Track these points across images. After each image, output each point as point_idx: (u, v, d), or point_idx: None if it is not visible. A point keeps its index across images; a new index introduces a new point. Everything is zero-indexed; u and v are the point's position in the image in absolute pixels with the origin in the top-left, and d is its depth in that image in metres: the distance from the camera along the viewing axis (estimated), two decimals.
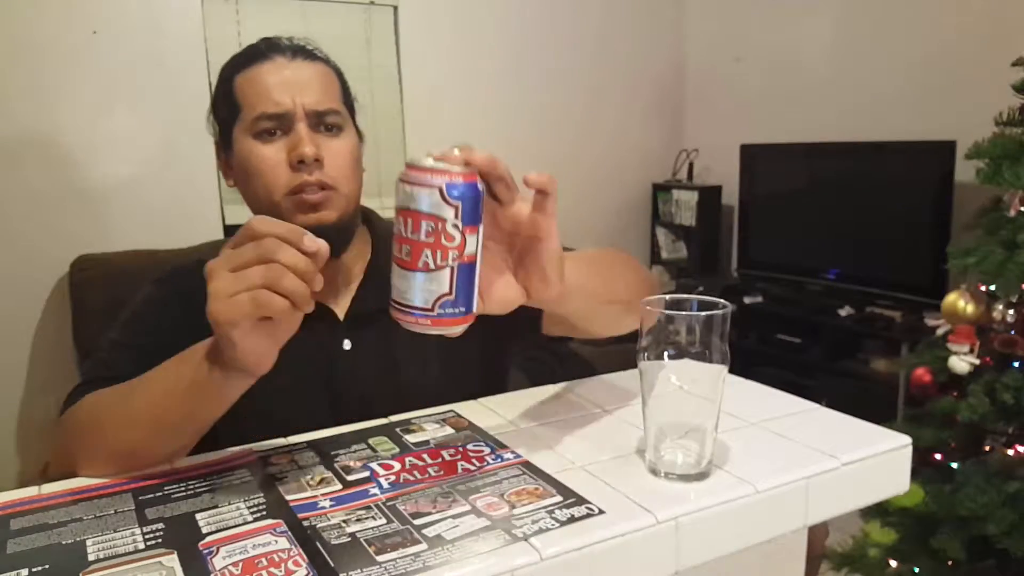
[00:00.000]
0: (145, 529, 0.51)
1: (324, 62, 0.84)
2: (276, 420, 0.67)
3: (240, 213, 2.74)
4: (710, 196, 3.33)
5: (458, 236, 0.48)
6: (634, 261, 0.83)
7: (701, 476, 0.56)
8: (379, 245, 0.88)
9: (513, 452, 0.62)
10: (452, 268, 0.48)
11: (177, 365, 0.62)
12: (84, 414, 0.69)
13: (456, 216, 0.47)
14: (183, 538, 0.49)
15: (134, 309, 0.85)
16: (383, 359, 0.82)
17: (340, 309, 0.84)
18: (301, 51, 0.82)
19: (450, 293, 0.48)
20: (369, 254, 0.88)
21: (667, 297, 0.58)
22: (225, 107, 0.82)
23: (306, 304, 0.52)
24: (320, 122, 0.79)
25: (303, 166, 0.77)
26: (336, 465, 0.60)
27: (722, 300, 0.56)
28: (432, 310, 0.49)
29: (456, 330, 0.51)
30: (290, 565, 0.46)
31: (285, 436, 0.67)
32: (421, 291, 0.48)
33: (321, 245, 0.52)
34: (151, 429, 0.62)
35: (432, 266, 0.47)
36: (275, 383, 0.61)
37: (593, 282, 0.68)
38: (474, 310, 0.51)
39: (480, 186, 0.50)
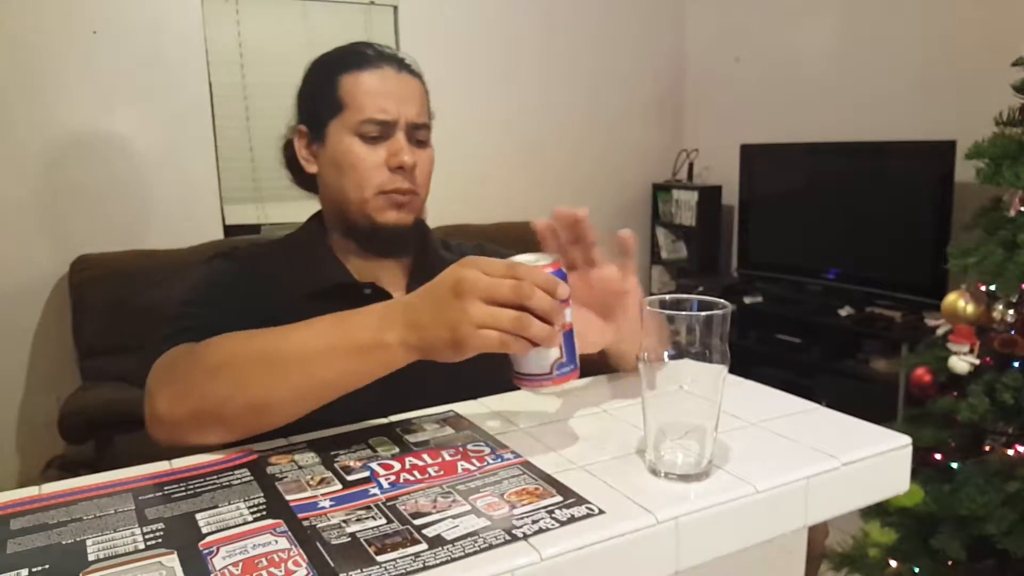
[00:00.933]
0: (145, 529, 0.51)
1: (420, 79, 0.92)
2: (335, 405, 0.67)
3: (240, 213, 2.74)
4: (710, 196, 3.33)
5: (563, 312, 0.58)
6: None
7: (701, 476, 0.56)
8: (426, 245, 0.97)
9: (513, 452, 0.62)
10: (562, 336, 0.58)
11: (342, 327, 0.63)
12: (216, 357, 0.68)
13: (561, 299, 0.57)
14: (183, 538, 0.49)
15: (204, 278, 0.89)
16: None
17: (398, 296, 0.90)
18: (404, 65, 0.90)
19: (561, 357, 0.59)
20: (414, 249, 0.96)
21: (667, 297, 0.58)
22: (324, 102, 0.88)
23: (549, 341, 0.57)
24: (414, 134, 0.88)
25: (400, 171, 0.86)
26: (336, 465, 0.60)
27: (722, 300, 0.56)
28: (551, 373, 0.59)
29: (569, 384, 0.61)
30: (290, 565, 0.46)
31: (340, 422, 0.69)
32: (540, 361, 0.58)
33: (567, 290, 0.59)
34: (301, 394, 0.64)
35: None
36: None
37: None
38: (578, 364, 0.61)
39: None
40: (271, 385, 0.64)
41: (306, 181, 0.95)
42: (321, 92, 0.88)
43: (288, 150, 0.95)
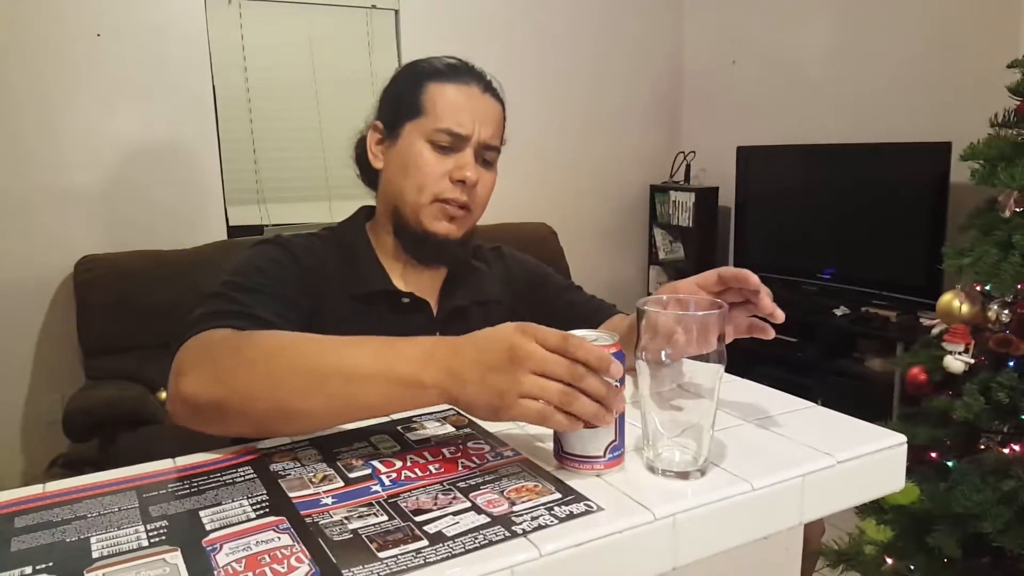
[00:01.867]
0: (149, 526, 0.51)
1: (502, 104, 0.95)
2: None
3: (243, 214, 2.74)
4: (707, 197, 3.34)
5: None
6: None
7: (698, 474, 0.56)
8: (463, 256, 0.98)
9: (513, 450, 0.62)
10: (616, 420, 0.57)
11: (388, 355, 0.61)
12: (257, 351, 0.65)
13: (616, 378, 0.56)
14: (186, 535, 0.50)
15: (255, 263, 0.86)
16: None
17: (433, 304, 0.94)
18: (491, 87, 0.93)
19: (615, 439, 0.57)
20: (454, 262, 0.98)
21: (665, 297, 0.59)
22: (406, 103, 0.91)
23: (596, 419, 0.55)
24: (483, 153, 0.91)
25: (461, 185, 0.89)
26: (338, 462, 0.61)
27: (719, 300, 0.56)
28: (604, 456, 0.57)
29: (619, 467, 0.58)
30: (292, 562, 0.46)
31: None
32: (595, 443, 0.57)
33: (621, 370, 0.57)
34: (337, 413, 0.63)
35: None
36: None
37: None
38: (625, 448, 0.59)
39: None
40: (307, 395, 0.62)
41: (370, 177, 0.97)
42: (406, 94, 0.91)
43: (359, 146, 0.97)
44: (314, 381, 0.62)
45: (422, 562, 0.45)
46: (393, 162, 0.92)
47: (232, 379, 0.64)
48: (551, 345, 0.55)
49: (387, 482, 0.57)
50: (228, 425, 0.66)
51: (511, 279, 1.05)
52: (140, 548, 0.49)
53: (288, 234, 0.94)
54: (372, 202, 1.01)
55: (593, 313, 1.00)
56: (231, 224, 2.69)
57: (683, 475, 0.56)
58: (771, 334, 0.70)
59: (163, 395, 2.27)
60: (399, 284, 0.94)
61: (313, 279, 0.88)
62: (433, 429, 0.68)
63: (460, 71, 0.91)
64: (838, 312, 2.69)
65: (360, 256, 0.94)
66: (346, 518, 0.51)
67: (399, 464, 0.60)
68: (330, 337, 0.65)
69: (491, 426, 0.68)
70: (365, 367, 0.61)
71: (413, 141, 0.89)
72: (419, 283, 0.95)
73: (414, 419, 0.70)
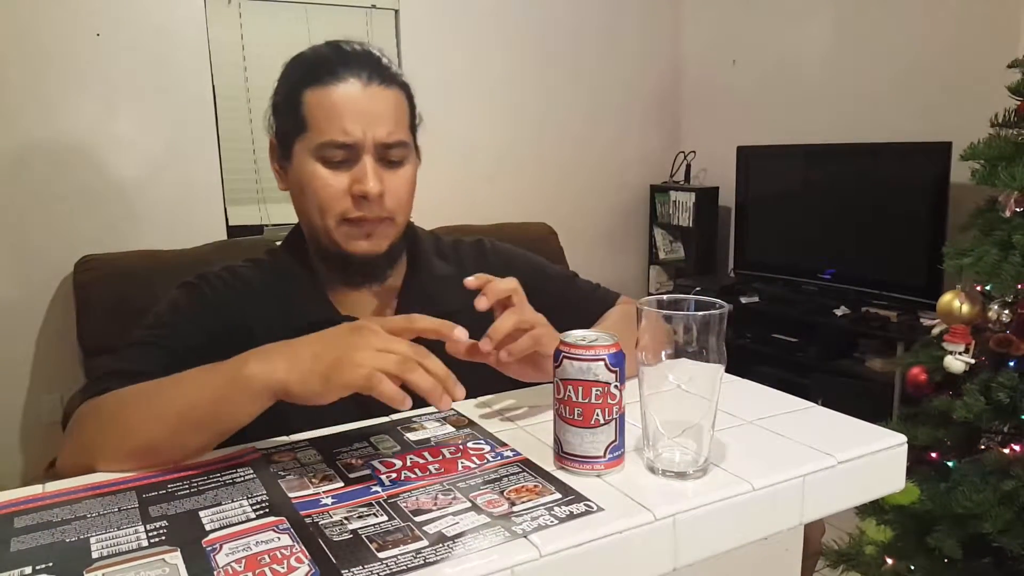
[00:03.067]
0: (148, 526, 0.51)
1: (398, 86, 0.82)
2: (350, 402, 0.65)
3: (243, 214, 2.75)
4: (707, 197, 3.34)
5: (619, 394, 0.57)
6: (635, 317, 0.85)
7: (698, 474, 0.56)
8: (416, 261, 0.89)
9: (513, 450, 0.62)
10: (616, 420, 0.57)
11: (209, 375, 0.63)
12: (108, 409, 0.68)
13: (616, 378, 0.56)
14: (186, 535, 0.50)
15: (160, 312, 0.82)
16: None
17: None
18: (377, 73, 0.79)
19: (615, 440, 0.57)
20: (405, 269, 0.89)
21: (664, 297, 0.59)
22: (290, 119, 0.81)
23: (434, 400, 0.57)
24: (386, 154, 0.80)
25: (364, 200, 0.78)
26: (338, 463, 0.61)
27: (719, 300, 0.56)
28: (604, 456, 0.57)
29: (619, 468, 0.58)
30: (292, 562, 0.46)
31: (350, 419, 0.70)
32: (595, 443, 0.57)
33: (464, 335, 0.61)
34: (174, 429, 0.62)
35: (602, 422, 0.56)
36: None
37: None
38: (625, 449, 0.59)
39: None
40: (150, 428, 0.62)
41: None
42: (287, 107, 0.81)
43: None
44: (153, 412, 0.63)
45: (422, 562, 0.45)
46: (292, 184, 0.83)
47: (91, 445, 0.64)
48: (395, 327, 0.58)
49: (387, 482, 0.57)
50: (133, 465, 0.64)
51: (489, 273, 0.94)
52: (140, 548, 0.49)
53: (219, 268, 0.86)
54: None
55: (590, 306, 0.94)
56: (231, 224, 2.69)
57: (683, 475, 0.56)
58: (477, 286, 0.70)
59: None
60: (344, 306, 0.85)
61: (235, 315, 0.80)
62: (433, 429, 0.68)
63: (335, 68, 0.78)
64: (838, 312, 2.69)
65: (298, 285, 0.85)
66: (346, 518, 0.51)
67: (399, 464, 0.60)
68: (172, 377, 0.66)
69: (491, 426, 0.68)
70: (192, 382, 0.63)
71: (304, 161, 0.79)
72: (368, 304, 0.86)
73: (414, 419, 0.70)
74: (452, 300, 0.76)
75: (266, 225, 2.74)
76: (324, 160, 0.78)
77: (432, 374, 0.57)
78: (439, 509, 0.52)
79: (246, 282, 0.85)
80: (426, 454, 0.62)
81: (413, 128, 0.85)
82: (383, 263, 0.84)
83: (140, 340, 0.79)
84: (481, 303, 0.67)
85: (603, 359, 0.56)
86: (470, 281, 0.69)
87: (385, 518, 0.51)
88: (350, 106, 0.77)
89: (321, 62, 0.80)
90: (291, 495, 0.55)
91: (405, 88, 0.84)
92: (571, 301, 0.94)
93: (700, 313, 0.55)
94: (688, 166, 3.47)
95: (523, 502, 0.53)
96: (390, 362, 0.56)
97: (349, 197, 0.78)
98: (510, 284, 0.69)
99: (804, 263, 2.91)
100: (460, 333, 0.60)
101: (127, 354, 0.78)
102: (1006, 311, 1.45)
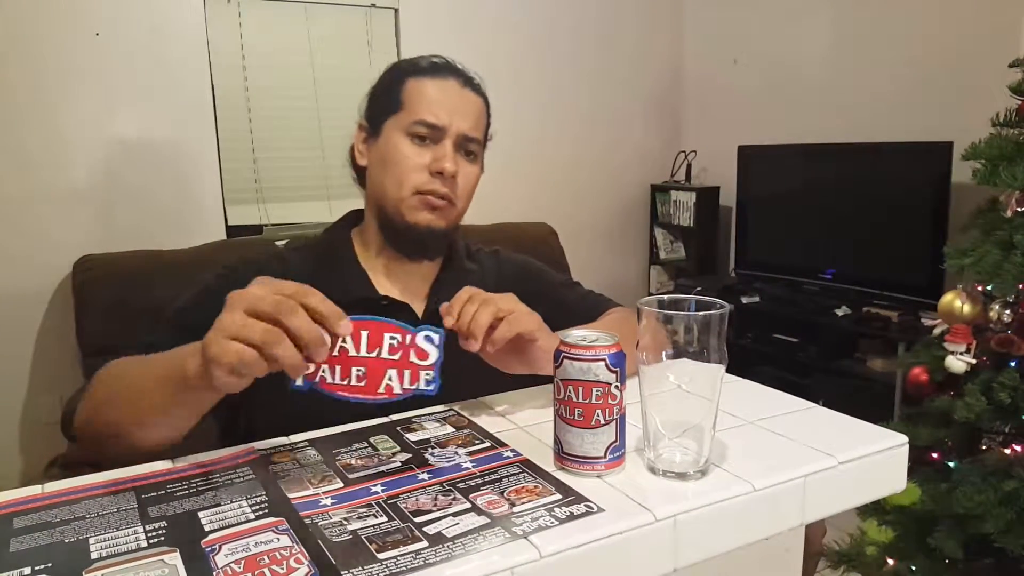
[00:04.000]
0: (148, 527, 0.51)
1: (484, 99, 0.96)
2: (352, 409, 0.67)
3: (242, 214, 2.74)
4: (708, 197, 3.34)
5: (619, 394, 0.57)
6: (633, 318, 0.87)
7: (699, 475, 0.56)
8: (452, 255, 0.99)
9: (513, 450, 0.62)
10: (616, 420, 0.57)
11: (162, 357, 0.65)
12: (110, 372, 0.73)
13: (617, 379, 0.56)
14: (185, 536, 0.50)
15: (191, 293, 0.89)
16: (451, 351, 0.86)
17: (418, 307, 0.93)
18: (471, 82, 0.94)
19: (616, 440, 0.57)
20: (441, 260, 0.98)
21: (665, 297, 0.59)
22: (387, 100, 0.92)
23: (294, 371, 0.55)
24: (463, 146, 0.91)
25: (440, 176, 0.89)
26: (337, 463, 0.60)
27: (720, 300, 0.56)
28: (604, 457, 0.57)
29: (620, 468, 0.58)
30: (292, 563, 0.46)
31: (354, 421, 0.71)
32: (595, 444, 0.57)
33: (348, 329, 0.58)
34: (126, 410, 0.65)
35: (603, 422, 0.56)
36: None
37: None
38: (625, 449, 0.59)
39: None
40: (117, 409, 0.66)
41: (361, 176, 0.98)
42: (387, 91, 0.93)
43: (352, 148, 0.98)
44: (120, 395, 0.67)
45: (422, 563, 0.45)
46: (375, 158, 0.93)
47: (85, 409, 0.72)
48: (282, 290, 0.56)
49: (386, 483, 0.57)
50: (96, 452, 0.70)
51: (503, 279, 1.03)
52: (139, 549, 0.48)
53: (256, 252, 0.95)
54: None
55: (587, 310, 0.99)
56: (230, 224, 2.69)
57: (684, 476, 0.56)
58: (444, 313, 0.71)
59: None
60: (382, 286, 0.93)
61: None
62: (433, 429, 0.68)
63: (440, 68, 0.93)
64: (839, 312, 2.69)
65: (340, 263, 0.94)
66: (345, 519, 0.51)
67: (398, 464, 0.60)
68: (146, 356, 0.68)
69: (491, 426, 0.68)
70: (155, 371, 0.64)
71: (392, 135, 0.90)
72: (406, 284, 0.94)
73: (414, 419, 0.70)
74: None
75: (265, 225, 2.74)
76: (411, 135, 0.89)
77: (296, 336, 0.54)
78: (439, 510, 0.52)
79: (286, 265, 0.92)
80: (426, 454, 0.62)
81: (485, 138, 0.97)
82: (438, 240, 0.93)
83: (164, 318, 0.86)
84: (448, 321, 0.71)
85: (603, 359, 0.56)
86: (444, 307, 0.73)
87: (385, 519, 0.51)
88: (444, 97, 0.90)
89: (427, 61, 0.94)
90: (290, 496, 0.55)
91: (487, 103, 0.97)
92: (570, 306, 1.00)
93: (701, 313, 0.55)
94: (689, 166, 3.47)
95: (523, 503, 0.53)
96: (256, 334, 0.53)
97: (426, 172, 0.89)
98: (463, 294, 0.73)
99: (805, 263, 2.91)
100: (344, 328, 0.57)
101: (149, 329, 0.83)
102: (1007, 311, 1.45)
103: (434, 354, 0.58)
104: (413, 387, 0.57)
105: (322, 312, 0.56)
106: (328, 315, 0.56)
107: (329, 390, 0.59)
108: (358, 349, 0.58)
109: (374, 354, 0.57)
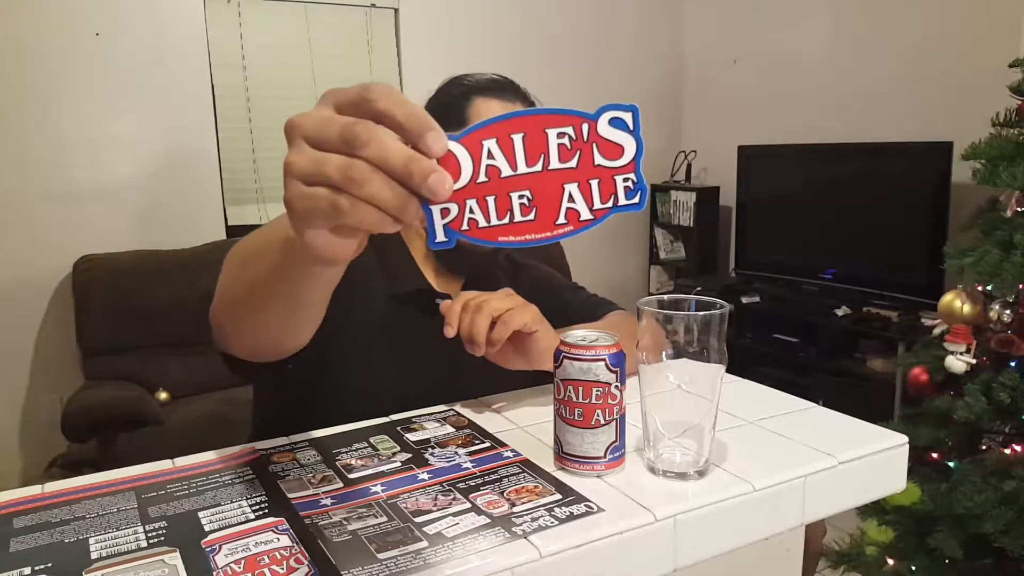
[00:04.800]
0: (148, 527, 0.51)
1: None
2: (391, 389, 0.68)
3: (242, 214, 2.74)
4: (708, 197, 3.34)
5: (619, 394, 0.57)
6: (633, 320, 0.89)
7: (699, 474, 0.56)
8: (489, 263, 1.00)
9: (513, 450, 0.62)
10: (616, 420, 0.56)
11: (272, 228, 0.55)
12: (228, 258, 0.64)
13: (617, 379, 0.56)
14: (185, 536, 0.50)
15: None
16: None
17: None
18: (529, 105, 0.95)
19: (616, 440, 0.57)
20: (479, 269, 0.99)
21: (665, 297, 0.59)
22: (453, 115, 0.91)
23: (404, 213, 0.38)
24: None
25: None
26: (337, 463, 0.60)
27: (720, 300, 0.56)
28: (604, 457, 0.57)
29: (620, 468, 0.58)
30: (292, 563, 0.46)
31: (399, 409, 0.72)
32: (595, 444, 0.56)
33: (441, 144, 0.39)
34: (249, 282, 0.56)
35: (603, 422, 0.56)
36: (396, 356, 0.78)
37: None
38: (625, 449, 0.58)
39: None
40: (235, 285, 0.59)
41: None
42: (452, 106, 0.93)
43: None
44: (241, 271, 0.59)
45: (422, 563, 0.45)
46: None
47: (217, 289, 0.64)
48: (346, 99, 0.38)
49: (386, 483, 0.56)
50: (228, 342, 0.65)
51: (518, 283, 1.05)
52: (139, 549, 0.48)
53: None
54: None
55: (588, 312, 1.00)
56: (230, 224, 2.69)
57: (684, 476, 0.56)
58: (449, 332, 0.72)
59: (162, 395, 2.27)
60: (434, 286, 0.94)
61: (353, 272, 0.85)
62: (433, 429, 0.68)
63: (505, 88, 0.95)
64: (839, 312, 2.69)
65: (395, 257, 0.94)
66: (345, 519, 0.51)
67: (399, 465, 0.60)
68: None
69: (491, 426, 0.68)
70: (262, 240, 0.59)
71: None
72: (446, 287, 0.95)
73: (414, 419, 0.70)
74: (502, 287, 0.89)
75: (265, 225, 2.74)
76: None
77: (380, 166, 0.37)
78: (439, 510, 0.52)
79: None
80: (426, 455, 0.62)
81: None
82: (487, 258, 0.94)
83: None
84: (448, 331, 0.72)
85: (603, 359, 0.56)
86: (443, 307, 0.74)
87: (385, 519, 0.51)
88: None
89: (494, 82, 0.96)
90: (290, 496, 0.55)
91: None
92: (573, 308, 1.02)
93: (701, 313, 0.55)
94: (689, 165, 3.46)
95: (523, 503, 0.53)
96: (331, 171, 0.37)
97: None
98: (456, 305, 0.73)
99: (805, 263, 2.91)
100: (435, 142, 0.38)
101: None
102: (1007, 311, 1.45)
103: (631, 147, 0.40)
104: (609, 203, 0.39)
105: (404, 125, 0.38)
106: (413, 129, 0.38)
107: (484, 238, 0.40)
108: (514, 164, 0.38)
109: (537, 167, 0.38)
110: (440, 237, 0.39)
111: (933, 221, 2.42)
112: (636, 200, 0.40)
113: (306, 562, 0.46)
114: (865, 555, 1.60)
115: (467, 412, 0.72)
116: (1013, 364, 1.44)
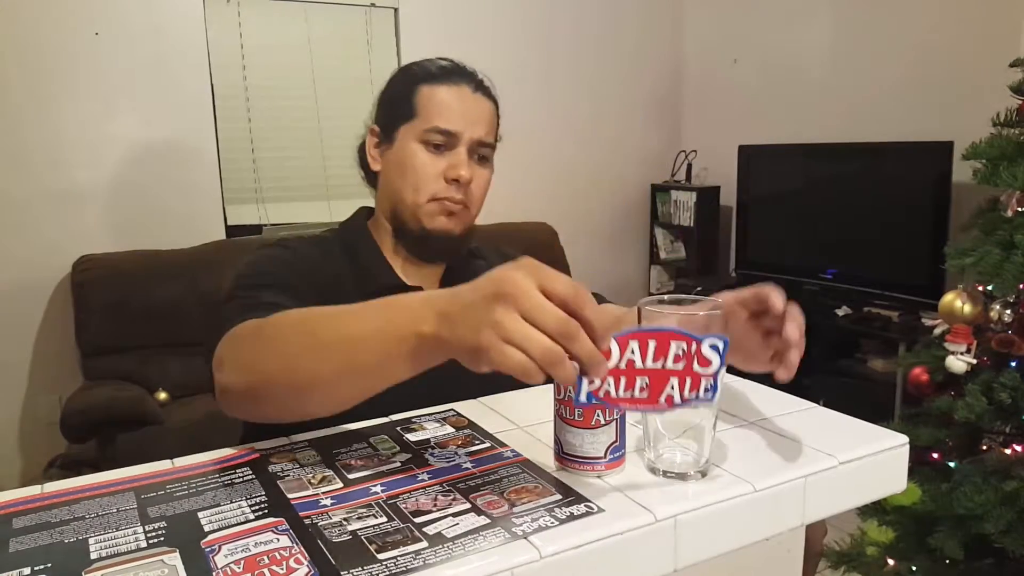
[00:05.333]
0: (147, 527, 0.51)
1: (494, 102, 0.97)
2: (380, 402, 0.65)
3: (241, 214, 2.74)
4: (708, 197, 3.34)
5: None
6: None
7: (699, 475, 0.56)
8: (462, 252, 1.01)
9: (513, 451, 0.62)
10: (616, 420, 0.57)
11: (388, 312, 0.58)
12: (267, 333, 0.67)
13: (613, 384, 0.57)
14: (185, 536, 0.50)
15: (258, 264, 0.89)
16: None
17: None
18: (482, 86, 0.95)
19: (616, 440, 0.57)
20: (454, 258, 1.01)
21: (666, 297, 0.59)
22: (401, 107, 0.93)
23: (567, 382, 0.51)
24: (476, 151, 0.93)
25: (456, 183, 0.91)
26: (337, 463, 0.60)
27: (719, 300, 0.56)
28: (604, 457, 0.57)
29: (620, 468, 0.58)
30: (291, 563, 0.46)
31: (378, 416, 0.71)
32: (595, 444, 0.57)
33: (608, 345, 0.52)
34: (341, 367, 0.59)
35: (603, 422, 0.56)
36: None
37: None
38: (625, 450, 0.59)
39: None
40: (314, 365, 0.61)
41: (372, 179, 1.00)
42: (399, 97, 0.94)
43: (361, 150, 0.99)
44: (319, 350, 0.60)
45: (421, 564, 0.45)
46: (390, 164, 0.95)
47: (255, 363, 0.66)
48: (556, 291, 0.49)
49: (386, 483, 0.56)
50: (263, 408, 0.67)
51: None
52: (139, 549, 0.48)
53: (290, 235, 0.95)
54: (370, 201, 1.02)
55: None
56: (229, 224, 2.69)
57: (684, 476, 0.56)
58: (784, 375, 0.66)
59: (161, 395, 2.27)
60: (404, 279, 0.95)
61: (318, 279, 0.89)
62: (433, 429, 0.67)
63: (451, 72, 0.94)
64: (840, 312, 2.69)
65: (365, 254, 0.96)
66: (345, 519, 0.51)
67: (398, 465, 0.60)
68: (336, 308, 0.63)
69: (491, 426, 0.68)
70: (365, 327, 0.59)
71: (407, 143, 0.92)
72: (420, 279, 0.96)
73: (413, 420, 0.70)
74: None
75: (265, 225, 2.74)
76: (426, 143, 0.91)
77: (577, 358, 0.49)
78: (439, 510, 0.52)
79: (319, 248, 0.95)
80: (426, 455, 0.62)
81: (495, 140, 0.98)
82: (455, 244, 0.95)
83: (256, 283, 0.83)
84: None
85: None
86: None
87: (384, 519, 0.51)
88: (457, 104, 0.92)
89: (438, 66, 0.95)
90: (290, 496, 0.55)
91: (497, 106, 0.98)
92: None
93: (701, 313, 0.55)
94: (689, 165, 3.46)
95: (523, 503, 0.52)
96: (537, 351, 0.48)
97: (442, 179, 0.91)
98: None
99: (805, 263, 2.91)
100: (608, 347, 0.51)
101: (251, 295, 0.80)
102: (1008, 311, 1.45)
103: (716, 362, 0.53)
104: (693, 395, 0.53)
105: (595, 329, 0.50)
106: (601, 334, 0.50)
107: (613, 404, 0.54)
108: (644, 360, 0.53)
109: (659, 364, 0.53)
110: (583, 398, 0.53)
111: (933, 221, 2.41)
112: (711, 397, 0.53)
113: (306, 562, 0.46)
114: (865, 555, 1.60)
115: (467, 412, 0.72)
116: (1014, 364, 1.44)
